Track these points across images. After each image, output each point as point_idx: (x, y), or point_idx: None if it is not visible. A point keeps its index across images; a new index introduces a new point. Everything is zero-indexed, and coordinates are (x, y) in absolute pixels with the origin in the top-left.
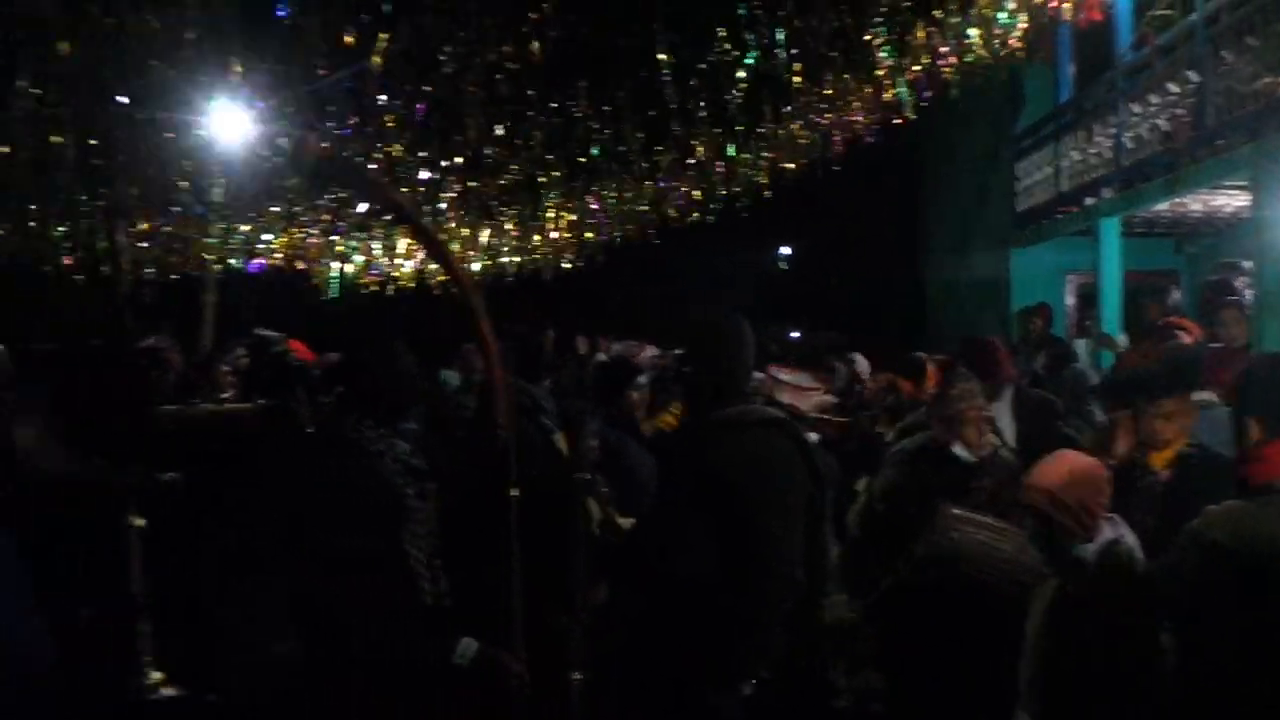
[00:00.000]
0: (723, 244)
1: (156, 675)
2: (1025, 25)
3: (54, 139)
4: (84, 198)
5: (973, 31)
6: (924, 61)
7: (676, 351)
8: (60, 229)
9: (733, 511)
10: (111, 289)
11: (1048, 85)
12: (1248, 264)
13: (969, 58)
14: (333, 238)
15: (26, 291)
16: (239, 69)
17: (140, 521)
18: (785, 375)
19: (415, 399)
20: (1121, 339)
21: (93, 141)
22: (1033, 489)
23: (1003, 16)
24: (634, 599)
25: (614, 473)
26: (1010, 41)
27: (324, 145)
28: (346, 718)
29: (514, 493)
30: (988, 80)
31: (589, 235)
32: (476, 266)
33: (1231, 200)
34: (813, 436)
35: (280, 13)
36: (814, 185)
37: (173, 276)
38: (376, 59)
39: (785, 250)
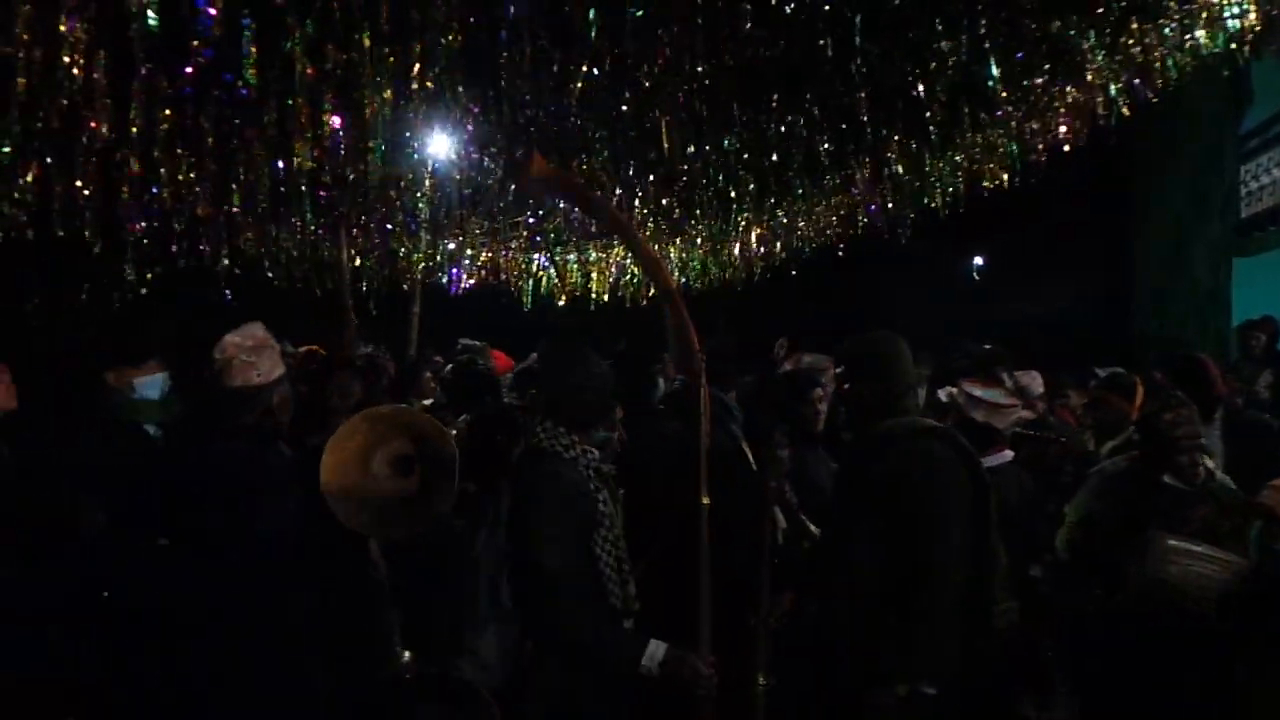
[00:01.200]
0: (917, 255)
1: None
2: (1255, 16)
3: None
4: (310, 214)
5: (1196, 31)
6: (1139, 61)
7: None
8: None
9: (894, 517)
10: (339, 300)
11: (1278, 81)
12: None
13: (1189, 55)
14: (533, 255)
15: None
16: (458, 97)
17: None
18: (979, 391)
19: (609, 407)
20: None
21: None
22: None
23: (1229, 9)
24: (814, 604)
25: (798, 482)
26: (1238, 35)
27: (550, 164)
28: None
29: (705, 499)
30: (1209, 76)
31: (778, 249)
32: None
33: None
34: (1008, 454)
35: (499, 37)
36: (1014, 193)
37: (384, 289)
38: (578, 84)
39: (979, 261)
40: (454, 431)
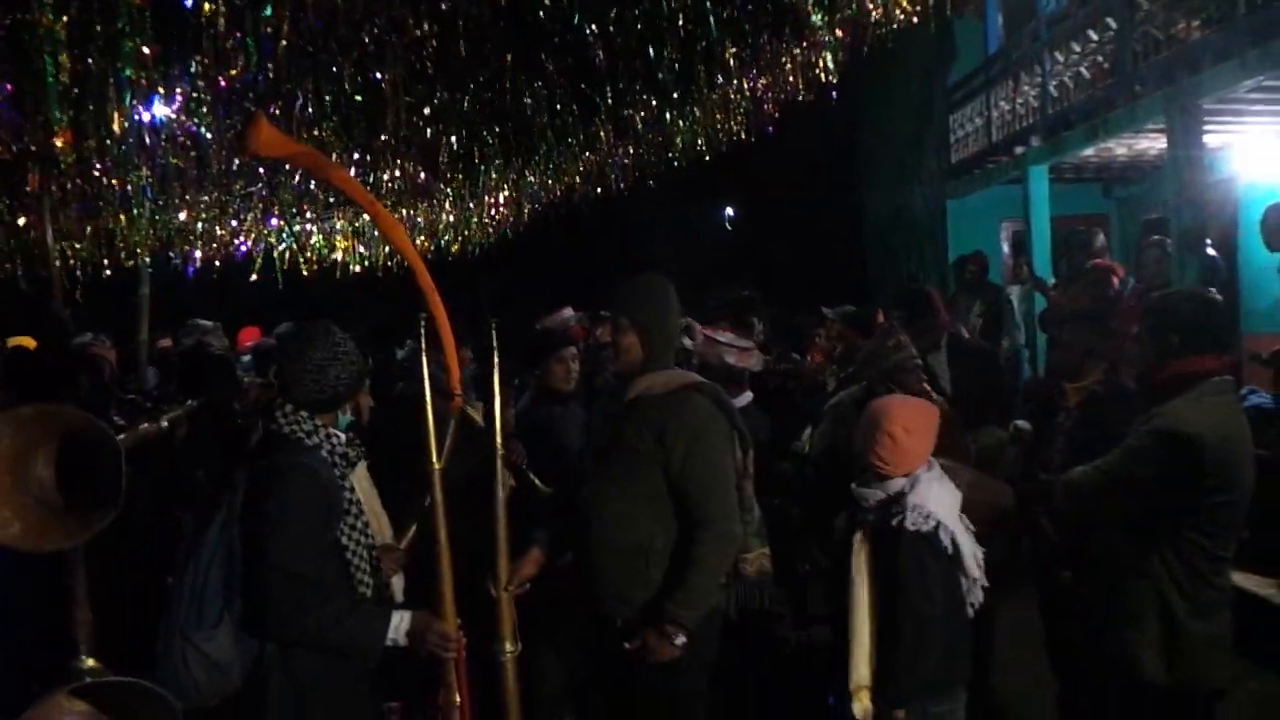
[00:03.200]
0: (665, 207)
1: (89, 661)
2: None
3: None
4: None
5: None
6: (852, 19)
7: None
8: None
9: (675, 473)
10: (45, 288)
11: (978, 37)
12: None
13: (898, 13)
14: (270, 224)
15: None
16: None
17: None
18: (723, 337)
19: (352, 388)
20: (1051, 283)
21: None
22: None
23: None
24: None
25: (547, 440)
26: None
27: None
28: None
29: (438, 465)
30: (919, 35)
31: (525, 209)
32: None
33: (1154, 143)
34: (747, 396)
35: (188, 3)
36: (755, 144)
37: (106, 273)
38: (284, 42)
39: (729, 211)
40: (165, 422)
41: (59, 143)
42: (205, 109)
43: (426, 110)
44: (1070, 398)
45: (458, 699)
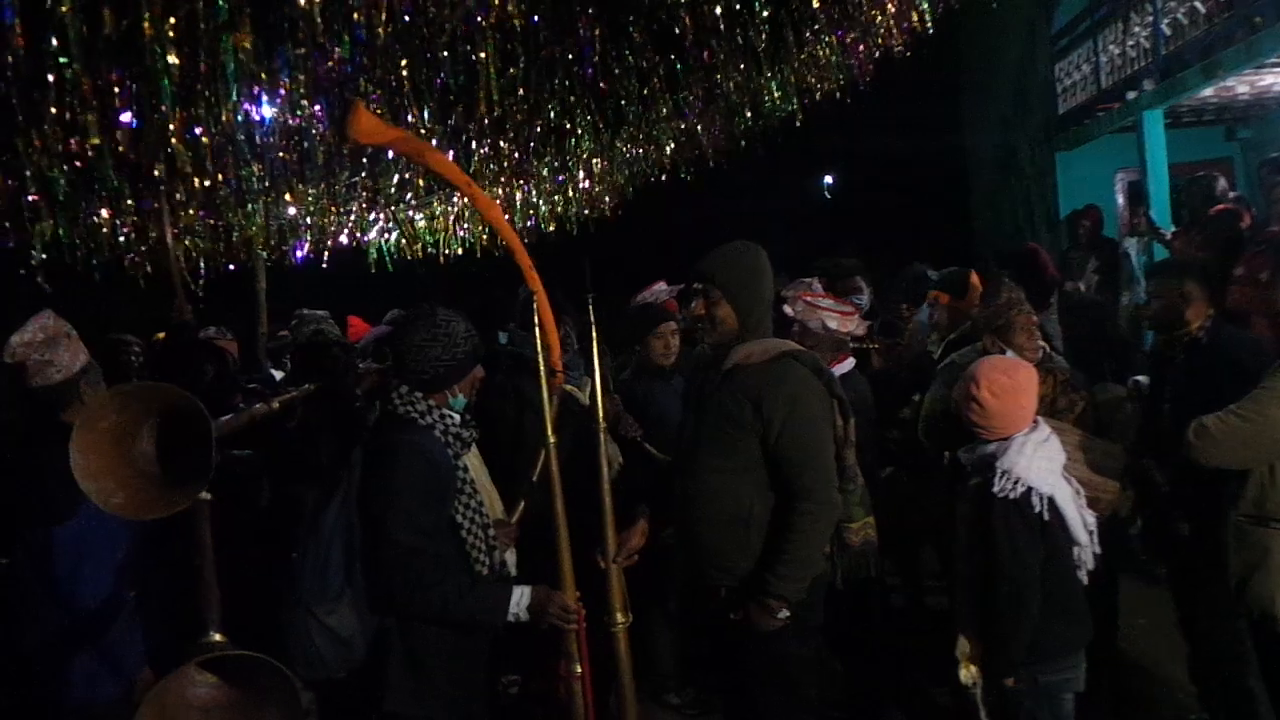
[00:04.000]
0: (763, 177)
1: (216, 636)
2: None
3: (93, 140)
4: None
5: None
6: None
7: (696, 286)
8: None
9: (766, 441)
10: (169, 283)
11: None
12: None
13: None
14: (375, 216)
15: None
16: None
17: (206, 495)
18: (824, 302)
19: (463, 369)
20: (1169, 231)
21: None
22: None
23: None
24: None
25: (647, 415)
26: None
27: (377, 112)
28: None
29: (552, 439)
30: None
31: (621, 181)
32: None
33: (1278, 78)
34: (849, 363)
35: None
36: (852, 107)
37: (228, 268)
38: (380, 31)
39: (828, 179)
40: (276, 404)
41: (175, 142)
42: (305, 100)
43: (520, 90)
44: (1175, 349)
45: (579, 669)
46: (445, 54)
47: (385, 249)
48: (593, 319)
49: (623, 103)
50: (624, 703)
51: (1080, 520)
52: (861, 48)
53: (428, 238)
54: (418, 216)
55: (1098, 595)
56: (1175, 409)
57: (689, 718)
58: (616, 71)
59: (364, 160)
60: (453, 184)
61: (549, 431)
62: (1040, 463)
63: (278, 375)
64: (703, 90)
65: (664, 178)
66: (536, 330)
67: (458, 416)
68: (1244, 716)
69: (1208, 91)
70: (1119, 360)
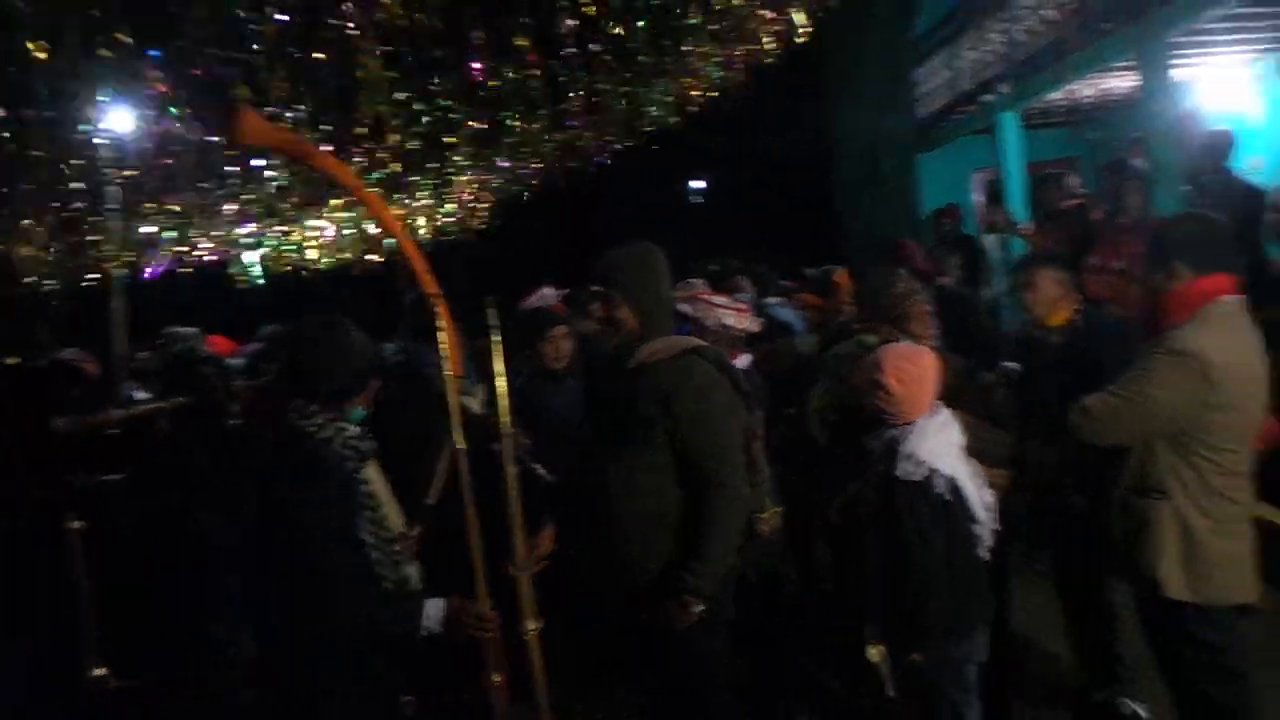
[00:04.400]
0: (632, 184)
1: (100, 670)
2: None
3: None
4: None
5: None
6: None
7: (594, 289)
8: None
9: (682, 438)
10: (18, 303)
11: None
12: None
13: None
14: (242, 229)
15: None
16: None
17: (78, 524)
18: (719, 300)
19: (363, 382)
20: (1026, 226)
21: None
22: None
23: None
24: (579, 541)
25: (540, 419)
26: None
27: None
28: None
29: (461, 445)
30: None
31: (501, 189)
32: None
33: (1121, 82)
34: (746, 359)
35: None
36: (722, 114)
37: (82, 284)
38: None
39: (696, 184)
40: (114, 414)
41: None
42: (179, 104)
43: (401, 95)
44: (1052, 337)
45: (498, 678)
46: (323, 55)
47: (250, 266)
48: (494, 324)
49: (503, 112)
50: (539, 710)
51: (980, 500)
52: (739, 54)
53: (295, 255)
54: (287, 231)
55: (994, 572)
56: (1057, 393)
57: None
58: (493, 84)
59: (231, 171)
60: (343, 186)
61: (458, 438)
62: (941, 445)
63: (141, 397)
64: (582, 101)
65: (541, 187)
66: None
67: (355, 429)
68: (1112, 678)
69: (1057, 94)
70: (986, 350)
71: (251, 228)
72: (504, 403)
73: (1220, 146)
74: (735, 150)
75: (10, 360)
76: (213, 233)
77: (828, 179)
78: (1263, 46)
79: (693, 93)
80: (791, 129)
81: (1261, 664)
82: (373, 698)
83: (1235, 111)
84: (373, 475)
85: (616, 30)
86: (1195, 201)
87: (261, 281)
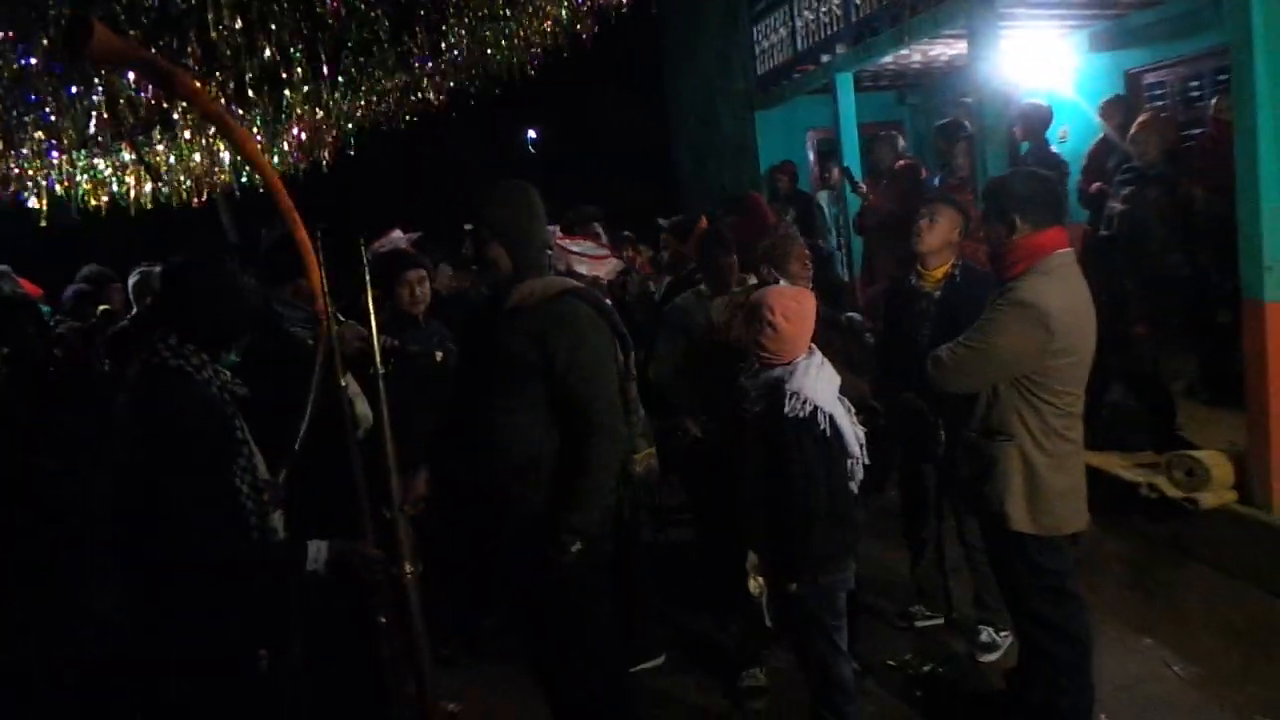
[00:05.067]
0: (465, 132)
1: None
2: None
3: None
4: None
5: None
6: None
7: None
8: None
9: (558, 379)
10: None
11: None
12: (968, 100)
13: None
14: (52, 157)
15: None
16: None
17: None
18: (576, 246)
19: (244, 328)
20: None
21: None
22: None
23: None
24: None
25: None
26: None
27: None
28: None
29: (344, 385)
30: None
31: (341, 130)
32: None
33: (947, 49)
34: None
35: None
36: (558, 63)
37: None
38: None
39: (531, 134)
40: None
41: None
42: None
43: (236, 22)
44: (928, 286)
45: (383, 619)
46: None
47: (57, 199)
48: (363, 260)
49: (345, 51)
50: (418, 652)
51: (854, 435)
52: (585, 4)
53: (116, 189)
54: (101, 165)
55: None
56: (933, 341)
57: (463, 667)
58: (342, 12)
59: (42, 99)
60: (203, 113)
61: (338, 379)
62: (821, 384)
63: None
64: (429, 44)
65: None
66: (310, 276)
67: (228, 373)
68: (941, 604)
69: (888, 58)
70: (833, 301)
71: (60, 159)
72: (376, 342)
73: (1039, 119)
74: (573, 102)
75: None
76: (16, 164)
77: (667, 133)
78: (1075, 22)
79: (539, 38)
80: (629, 82)
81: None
82: (236, 650)
83: (1049, 82)
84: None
85: None
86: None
87: (73, 219)
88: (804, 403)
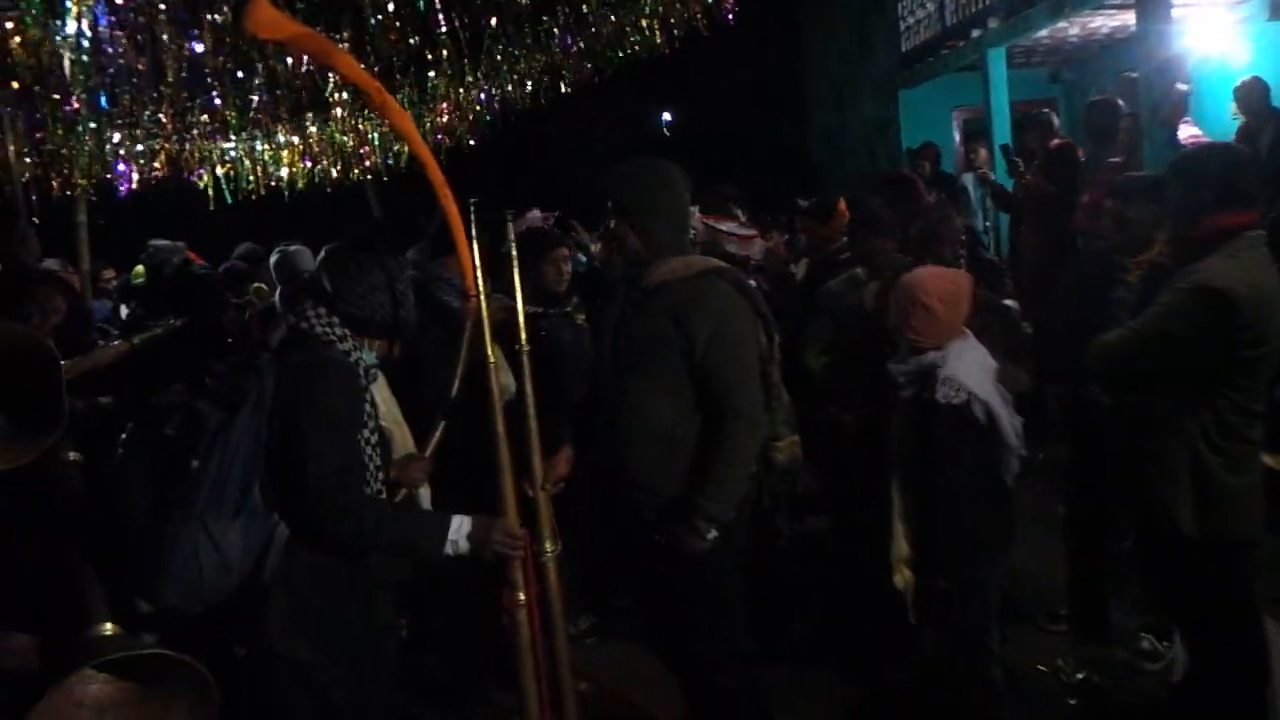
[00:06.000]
0: (598, 113)
1: (108, 627)
2: None
3: None
4: None
5: None
6: None
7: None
8: None
9: (698, 360)
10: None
11: None
12: (1134, 75)
13: None
14: (218, 144)
15: None
16: None
17: (76, 455)
18: (724, 225)
19: (391, 330)
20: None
21: None
22: None
23: None
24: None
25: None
26: None
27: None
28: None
29: (493, 360)
30: None
31: (480, 110)
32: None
33: (1109, 21)
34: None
35: None
36: (690, 42)
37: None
38: None
39: (666, 115)
40: (136, 340)
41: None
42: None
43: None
44: (1132, 273)
45: (523, 598)
46: None
47: (226, 180)
48: (511, 238)
49: (488, 30)
50: (555, 632)
51: (1011, 426)
52: None
53: (272, 169)
54: (260, 147)
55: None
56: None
57: (588, 647)
58: None
59: (215, 82)
60: (361, 88)
61: (488, 353)
62: (976, 370)
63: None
64: (570, 21)
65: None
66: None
67: (369, 354)
68: (1098, 622)
69: (1043, 33)
70: (991, 286)
71: (225, 142)
72: (522, 319)
73: (1260, 92)
74: (706, 82)
75: None
76: (183, 146)
77: (801, 113)
78: None
79: (678, 14)
80: (762, 61)
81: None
82: (360, 617)
83: (1222, 55)
84: (383, 394)
85: None
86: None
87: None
88: (958, 389)
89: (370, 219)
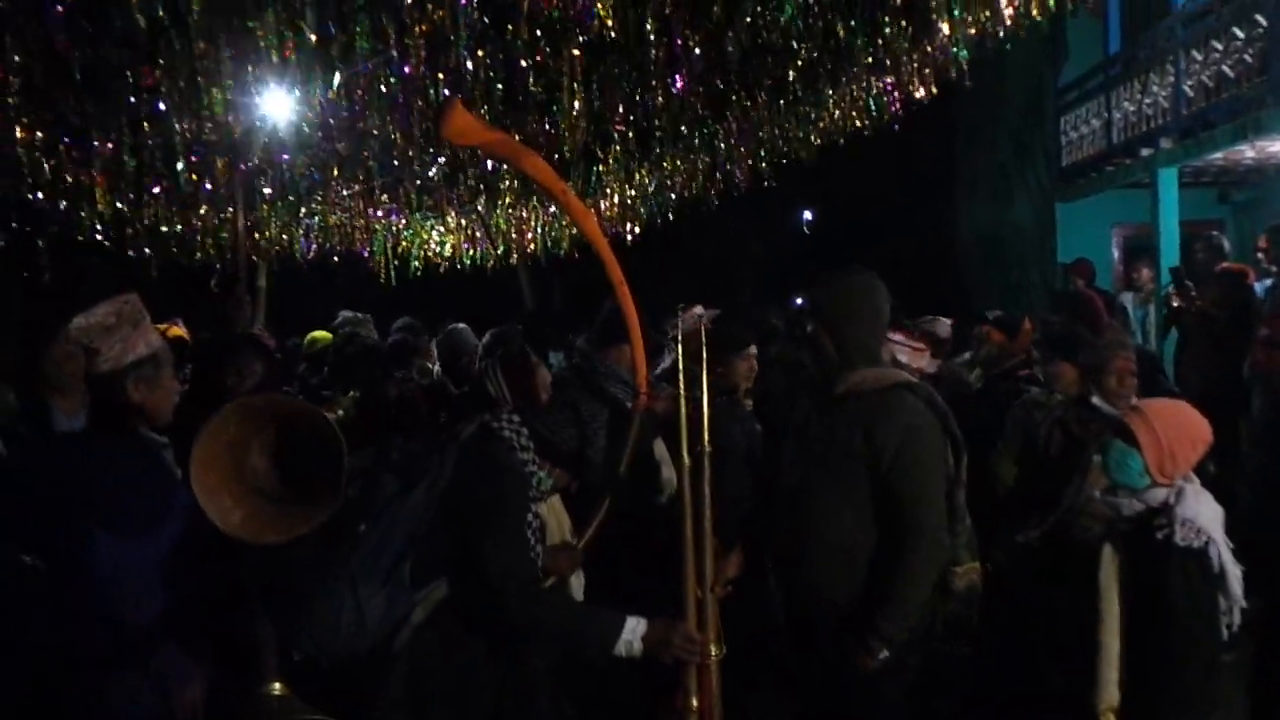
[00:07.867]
0: (740, 212)
1: (276, 686)
2: None
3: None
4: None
5: None
6: (983, 17)
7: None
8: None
9: (884, 474)
10: (226, 273)
11: (1091, 37)
12: None
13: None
14: (392, 220)
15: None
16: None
17: None
18: (897, 336)
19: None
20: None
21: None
22: None
23: None
24: (770, 570)
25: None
26: None
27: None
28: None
29: (687, 460)
30: (1026, 35)
31: (642, 206)
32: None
33: None
34: None
35: None
36: (841, 148)
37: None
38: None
39: (807, 215)
40: (340, 411)
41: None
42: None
43: (575, 103)
44: None
45: (695, 703)
46: (528, 61)
47: (390, 255)
48: (698, 332)
49: (658, 129)
50: None
51: (1235, 574)
52: (893, 91)
53: (439, 249)
54: (433, 226)
55: None
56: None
57: None
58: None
59: (395, 163)
60: (548, 190)
61: (683, 451)
62: (1211, 513)
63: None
64: (736, 124)
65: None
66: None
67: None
68: None
69: (1218, 155)
70: None
71: (395, 220)
72: (707, 419)
73: None
74: (852, 186)
75: (171, 329)
76: (359, 222)
77: (952, 223)
78: None
79: (847, 125)
80: (915, 166)
81: None
82: (470, 700)
83: None
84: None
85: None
86: None
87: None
88: (1199, 533)
89: (520, 303)
